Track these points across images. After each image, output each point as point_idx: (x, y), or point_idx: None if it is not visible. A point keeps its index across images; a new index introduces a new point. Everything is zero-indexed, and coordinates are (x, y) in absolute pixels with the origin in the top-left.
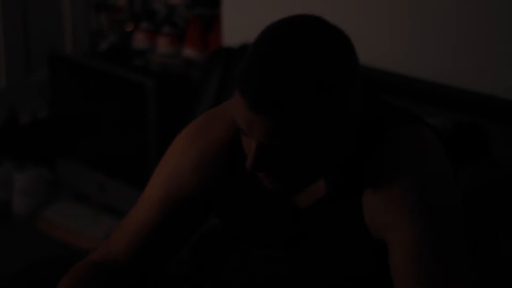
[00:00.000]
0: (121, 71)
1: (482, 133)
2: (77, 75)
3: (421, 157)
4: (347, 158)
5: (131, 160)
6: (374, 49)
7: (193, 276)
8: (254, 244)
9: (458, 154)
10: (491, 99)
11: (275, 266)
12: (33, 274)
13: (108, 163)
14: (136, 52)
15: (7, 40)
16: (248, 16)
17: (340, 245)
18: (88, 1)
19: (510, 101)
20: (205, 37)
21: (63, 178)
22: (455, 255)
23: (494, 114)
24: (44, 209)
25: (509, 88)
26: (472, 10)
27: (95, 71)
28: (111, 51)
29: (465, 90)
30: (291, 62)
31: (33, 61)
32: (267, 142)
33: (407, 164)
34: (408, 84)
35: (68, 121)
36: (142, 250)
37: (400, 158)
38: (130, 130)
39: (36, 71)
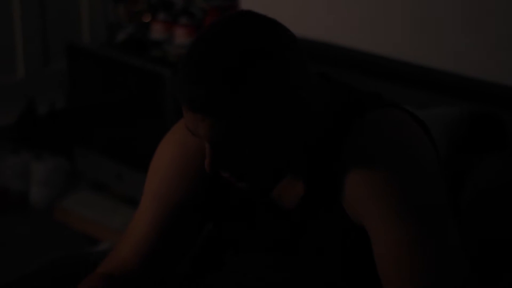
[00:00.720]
0: (138, 61)
1: (499, 123)
2: (95, 66)
3: (396, 142)
4: (318, 150)
5: (148, 149)
6: (391, 39)
7: (192, 278)
8: (247, 248)
9: (475, 144)
10: (509, 90)
11: (268, 272)
12: (47, 278)
13: (125, 153)
14: (153, 43)
15: (25, 31)
16: (266, 6)
17: (327, 241)
18: None
19: None
20: None
21: (81, 168)
22: (438, 245)
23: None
24: (62, 199)
25: None
26: (491, 1)
27: (113, 61)
28: (128, 42)
29: (483, 81)
30: (214, 58)
31: (51, 52)
32: (214, 141)
33: (382, 151)
34: (425, 75)
35: (85, 111)
36: (147, 261)
37: (374, 145)
38: (147, 119)
39: (54, 62)
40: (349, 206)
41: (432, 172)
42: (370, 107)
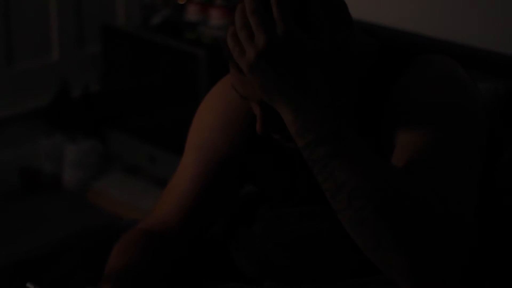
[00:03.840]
0: (173, 43)
1: None
2: (129, 48)
3: (443, 83)
4: (365, 97)
5: (182, 131)
6: (426, 17)
7: (224, 241)
8: (283, 203)
9: (510, 121)
10: None
11: (307, 223)
12: (81, 241)
13: (159, 135)
14: (188, 25)
15: (60, 13)
16: None
17: None
18: None
19: None
20: None
21: (114, 151)
22: (454, 171)
23: None
24: (95, 181)
25: None
26: None
27: (147, 43)
28: (163, 25)
29: None
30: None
31: (86, 34)
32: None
33: (426, 92)
34: (460, 51)
35: (119, 94)
36: (188, 216)
37: (418, 85)
38: (181, 101)
39: (88, 44)
40: (389, 144)
41: (473, 117)
42: (420, 53)
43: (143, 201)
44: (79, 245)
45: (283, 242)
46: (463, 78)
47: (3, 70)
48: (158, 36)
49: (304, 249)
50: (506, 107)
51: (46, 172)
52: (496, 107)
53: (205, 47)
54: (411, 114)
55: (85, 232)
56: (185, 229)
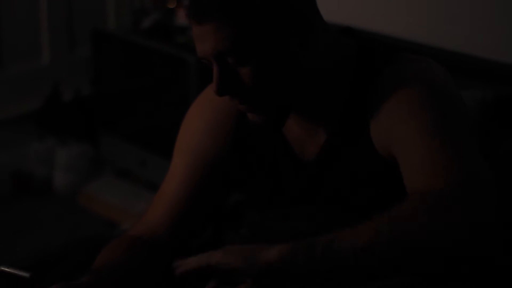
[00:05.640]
0: (163, 47)
1: None
2: (120, 52)
3: (425, 72)
4: (342, 97)
5: (173, 135)
6: (412, 21)
7: (212, 245)
8: (272, 204)
9: (498, 128)
10: None
11: (294, 223)
12: (73, 251)
13: (150, 139)
14: (178, 29)
15: (51, 16)
16: None
17: (354, 184)
18: None
19: None
20: None
21: (105, 154)
22: (462, 146)
23: None
24: (86, 184)
25: None
26: None
27: (138, 47)
28: (154, 29)
29: (505, 63)
30: None
31: (77, 37)
32: (220, 48)
33: (409, 79)
34: (448, 57)
35: (110, 97)
36: (177, 223)
37: (400, 76)
38: (172, 105)
39: (79, 48)
40: (378, 138)
41: (457, 97)
42: (398, 53)
43: (134, 205)
44: (71, 255)
45: (270, 243)
46: (438, 75)
47: None
48: (148, 40)
49: None
50: (494, 114)
51: (37, 175)
52: (484, 114)
53: (195, 51)
54: (387, 112)
55: (77, 242)
56: (173, 236)
